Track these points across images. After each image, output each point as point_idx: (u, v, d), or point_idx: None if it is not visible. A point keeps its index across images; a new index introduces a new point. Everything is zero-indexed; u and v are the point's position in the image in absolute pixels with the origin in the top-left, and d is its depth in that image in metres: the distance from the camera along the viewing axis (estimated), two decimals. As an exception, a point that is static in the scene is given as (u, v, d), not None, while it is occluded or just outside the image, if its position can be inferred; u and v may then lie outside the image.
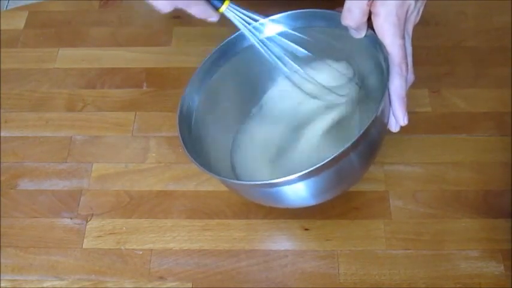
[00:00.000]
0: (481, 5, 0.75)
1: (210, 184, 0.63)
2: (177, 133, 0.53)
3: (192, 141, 0.55)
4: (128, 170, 0.65)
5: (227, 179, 0.52)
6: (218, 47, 0.58)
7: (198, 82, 0.58)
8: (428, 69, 0.69)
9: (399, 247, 0.58)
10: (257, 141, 0.60)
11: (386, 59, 0.49)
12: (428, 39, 0.72)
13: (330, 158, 0.45)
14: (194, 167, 0.63)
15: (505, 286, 0.55)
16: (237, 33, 0.58)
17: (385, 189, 0.61)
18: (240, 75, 0.60)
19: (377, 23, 0.48)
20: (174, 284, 0.57)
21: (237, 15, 0.55)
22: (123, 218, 0.62)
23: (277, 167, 0.57)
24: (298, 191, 0.51)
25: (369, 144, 0.50)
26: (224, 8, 0.55)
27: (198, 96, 0.57)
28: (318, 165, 0.45)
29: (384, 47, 0.49)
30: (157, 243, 0.60)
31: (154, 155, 0.66)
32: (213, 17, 0.55)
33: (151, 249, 0.59)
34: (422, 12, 0.52)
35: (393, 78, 0.49)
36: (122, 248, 0.60)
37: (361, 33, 0.51)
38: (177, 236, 0.60)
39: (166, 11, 0.54)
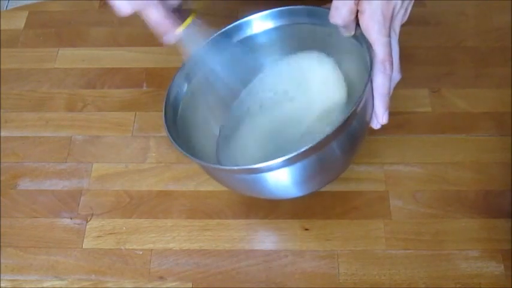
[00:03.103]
0: (481, 5, 0.75)
1: (210, 184, 0.63)
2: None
3: (178, 128, 0.55)
4: (127, 170, 0.65)
5: (208, 164, 0.52)
6: (209, 39, 0.58)
7: (187, 72, 0.58)
8: (428, 69, 0.69)
9: (399, 247, 0.58)
10: (243, 132, 0.60)
11: (371, 56, 0.49)
12: (428, 39, 0.72)
13: (310, 145, 0.46)
14: (194, 167, 0.63)
15: (505, 286, 0.55)
16: (229, 26, 0.58)
17: (385, 189, 0.61)
18: (230, 67, 0.60)
19: (362, 20, 0.49)
20: (174, 284, 0.57)
21: (198, 36, 0.53)
22: (123, 218, 0.62)
23: (262, 158, 0.57)
24: (279, 179, 0.51)
25: (349, 136, 0.50)
26: (189, 20, 0.51)
27: (187, 85, 0.58)
28: (298, 152, 0.46)
29: (370, 44, 0.49)
30: (157, 243, 0.60)
31: (154, 155, 0.66)
32: (171, 35, 0.50)
33: (151, 249, 0.59)
34: (411, 12, 0.51)
35: (376, 76, 0.50)
36: (122, 248, 0.60)
37: (350, 32, 0.52)
38: (177, 236, 0.60)
39: (126, 13, 0.50)
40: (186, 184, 0.63)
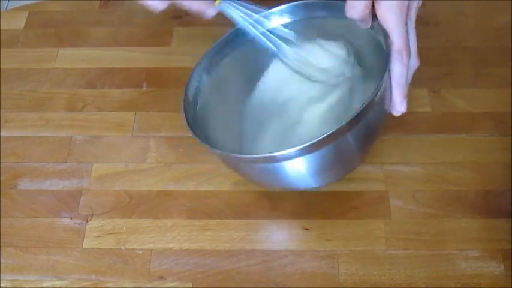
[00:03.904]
0: (481, 5, 0.75)
1: (210, 184, 0.63)
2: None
3: (197, 121, 0.56)
4: (127, 170, 0.65)
5: (228, 154, 0.52)
6: (227, 33, 0.59)
7: (206, 65, 0.59)
8: (428, 69, 0.69)
9: (399, 247, 0.58)
10: (260, 124, 0.60)
11: (388, 45, 0.50)
12: (428, 39, 0.72)
13: (327, 134, 0.47)
14: (194, 166, 0.64)
15: (505, 286, 0.55)
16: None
17: (385, 189, 0.61)
18: (247, 62, 0.60)
19: (379, 11, 0.49)
20: (174, 284, 0.57)
21: (235, 8, 0.54)
22: (123, 218, 0.62)
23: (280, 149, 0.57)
24: (296, 168, 0.51)
25: (365, 126, 0.51)
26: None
27: (205, 78, 0.58)
28: (315, 140, 0.47)
29: (387, 34, 0.50)
30: (157, 243, 0.60)
31: (154, 155, 0.66)
32: (210, 11, 0.53)
33: (151, 249, 0.59)
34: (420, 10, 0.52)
35: (394, 65, 0.50)
36: (122, 248, 0.60)
37: (367, 24, 0.52)
38: (177, 236, 0.60)
39: (161, 8, 0.52)
40: (186, 184, 0.63)
